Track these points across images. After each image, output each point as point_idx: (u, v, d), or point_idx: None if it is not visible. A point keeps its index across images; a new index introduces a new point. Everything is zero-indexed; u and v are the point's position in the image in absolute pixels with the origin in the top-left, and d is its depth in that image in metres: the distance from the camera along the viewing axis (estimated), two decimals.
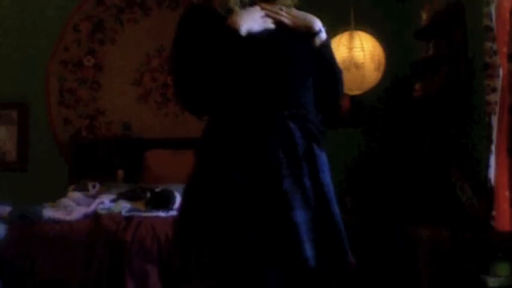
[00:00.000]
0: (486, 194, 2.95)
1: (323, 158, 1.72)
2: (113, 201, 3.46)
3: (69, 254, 3.01)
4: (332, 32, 3.79)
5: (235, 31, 1.65)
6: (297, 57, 1.73)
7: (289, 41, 1.74)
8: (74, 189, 3.83)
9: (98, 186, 3.87)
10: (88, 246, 3.03)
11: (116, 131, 4.71)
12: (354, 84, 3.72)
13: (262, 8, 1.72)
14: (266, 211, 1.58)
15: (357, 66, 3.58)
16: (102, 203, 3.40)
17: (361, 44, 3.60)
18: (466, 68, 3.37)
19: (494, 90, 2.95)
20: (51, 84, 4.75)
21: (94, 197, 3.62)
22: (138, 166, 4.29)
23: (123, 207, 3.34)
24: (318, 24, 1.79)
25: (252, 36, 1.67)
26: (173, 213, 3.20)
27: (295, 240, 1.58)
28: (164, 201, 3.41)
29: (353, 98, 4.62)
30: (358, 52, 3.59)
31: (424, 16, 3.85)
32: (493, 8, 2.94)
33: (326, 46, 1.81)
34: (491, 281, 2.68)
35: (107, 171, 4.27)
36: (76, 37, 4.78)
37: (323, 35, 1.80)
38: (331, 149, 5.01)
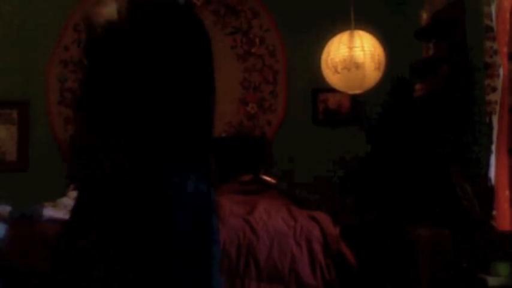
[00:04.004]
0: (486, 193, 2.95)
1: None
2: None
3: None
4: (332, 32, 3.82)
5: None
6: None
7: None
8: (74, 189, 3.83)
9: None
10: None
11: None
12: (354, 84, 3.71)
13: None
14: None
15: (357, 65, 3.57)
16: None
17: (362, 43, 3.60)
18: (466, 68, 3.37)
19: (494, 90, 2.95)
20: (51, 84, 4.74)
21: None
22: None
23: None
24: None
25: None
26: None
27: None
28: None
29: (353, 98, 4.63)
30: (359, 52, 3.58)
31: (424, 16, 3.85)
32: (493, 8, 2.94)
33: None
34: (491, 280, 2.68)
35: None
36: (76, 37, 4.78)
37: None
38: (332, 149, 5.02)
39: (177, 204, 1.62)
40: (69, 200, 3.58)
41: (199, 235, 1.67)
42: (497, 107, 2.91)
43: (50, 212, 3.25)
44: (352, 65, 3.58)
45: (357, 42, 3.62)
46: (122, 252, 1.59)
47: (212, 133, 1.80)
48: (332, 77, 3.73)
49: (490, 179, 2.96)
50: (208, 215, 1.72)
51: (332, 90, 3.99)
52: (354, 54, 3.59)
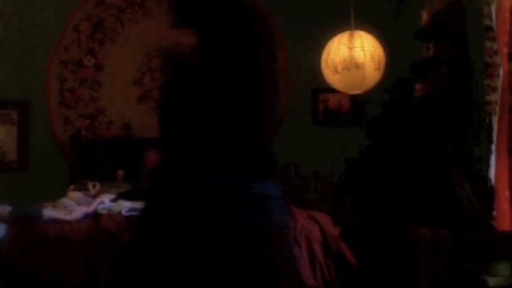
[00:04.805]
0: (486, 193, 2.95)
1: None
2: (113, 200, 3.45)
3: (69, 254, 3.01)
4: (332, 32, 3.82)
5: None
6: None
7: None
8: (74, 189, 3.83)
9: (98, 186, 3.87)
10: (88, 246, 3.02)
11: (116, 131, 4.71)
12: (354, 84, 3.71)
13: None
14: None
15: (357, 65, 3.57)
16: (102, 202, 3.39)
17: (362, 43, 3.60)
18: (466, 68, 3.37)
19: (494, 90, 2.96)
20: (51, 84, 4.74)
21: (94, 196, 3.61)
22: (138, 166, 4.28)
23: (123, 206, 3.34)
24: None
25: None
26: None
27: None
28: None
29: (353, 98, 4.63)
30: (359, 52, 3.58)
31: (424, 16, 3.85)
32: (493, 8, 2.94)
33: None
34: (491, 280, 2.68)
35: (107, 171, 4.27)
36: (76, 37, 4.78)
37: None
38: (332, 149, 5.02)
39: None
40: (69, 200, 3.58)
41: (217, 237, 1.60)
42: (497, 107, 2.91)
43: (50, 212, 3.25)
44: (352, 65, 3.58)
45: (357, 42, 3.62)
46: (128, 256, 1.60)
47: (259, 132, 1.73)
48: (332, 77, 3.73)
49: (490, 179, 2.96)
50: (237, 215, 1.63)
51: (332, 90, 3.99)
52: (354, 55, 3.59)
